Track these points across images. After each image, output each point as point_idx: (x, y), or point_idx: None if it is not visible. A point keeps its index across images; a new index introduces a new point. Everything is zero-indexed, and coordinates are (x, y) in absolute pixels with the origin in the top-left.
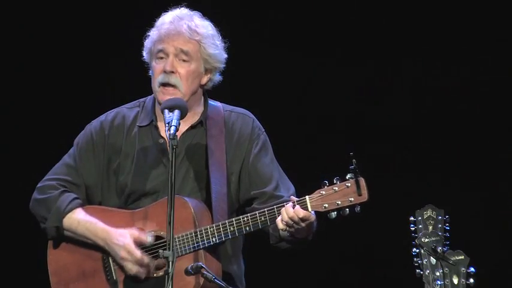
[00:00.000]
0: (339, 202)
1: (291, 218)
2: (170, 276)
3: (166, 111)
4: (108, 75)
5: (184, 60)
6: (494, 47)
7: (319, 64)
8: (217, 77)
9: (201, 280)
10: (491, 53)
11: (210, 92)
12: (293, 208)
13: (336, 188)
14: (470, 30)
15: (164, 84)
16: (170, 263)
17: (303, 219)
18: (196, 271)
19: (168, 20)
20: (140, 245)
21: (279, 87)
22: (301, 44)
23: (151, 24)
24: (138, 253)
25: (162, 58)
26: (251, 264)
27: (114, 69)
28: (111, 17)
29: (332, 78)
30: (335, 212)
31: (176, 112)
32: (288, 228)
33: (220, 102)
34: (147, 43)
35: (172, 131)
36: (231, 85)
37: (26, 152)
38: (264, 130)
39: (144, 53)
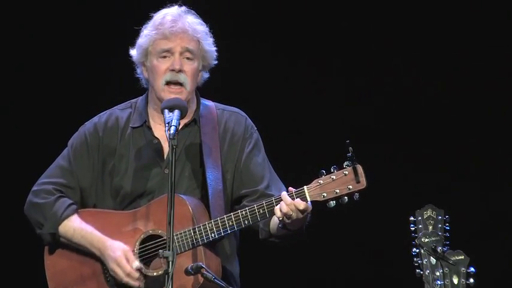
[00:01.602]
0: (338, 190)
1: (288, 206)
2: (170, 276)
3: (166, 111)
4: (102, 76)
5: (188, 58)
6: (494, 48)
7: (318, 61)
8: (206, 75)
9: (201, 279)
10: (491, 54)
11: (201, 91)
12: (291, 199)
13: (334, 177)
14: (468, 32)
15: (171, 83)
16: (170, 263)
17: (302, 211)
18: (197, 271)
19: (170, 18)
20: (127, 261)
21: (271, 85)
22: (293, 42)
23: (143, 24)
24: (128, 268)
25: (165, 57)
26: (245, 265)
27: (108, 70)
28: (104, 18)
29: (331, 76)
30: (334, 201)
31: (176, 112)
32: (285, 218)
33: (212, 101)
34: (143, 43)
35: (172, 131)
36: (223, 84)
37: (23, 153)
38: (256, 128)
39: (136, 53)
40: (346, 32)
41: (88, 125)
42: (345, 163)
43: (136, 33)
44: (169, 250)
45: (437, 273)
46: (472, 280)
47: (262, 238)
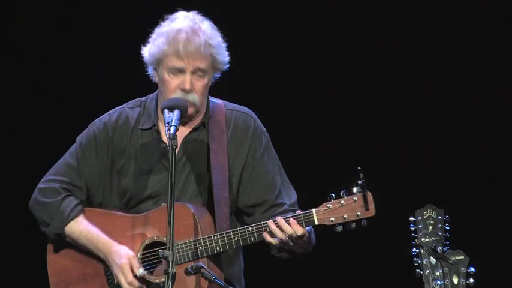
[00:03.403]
0: (346, 216)
1: (289, 236)
2: (170, 276)
3: (166, 111)
4: (108, 73)
5: (199, 76)
6: (495, 49)
7: (319, 63)
8: (217, 75)
9: (205, 284)
10: (492, 55)
11: (212, 90)
12: (290, 225)
13: (343, 202)
14: (470, 32)
15: None
16: (170, 262)
17: (301, 236)
18: (196, 271)
19: (184, 36)
20: (131, 270)
21: (282, 91)
22: (310, 45)
23: (150, 22)
24: (130, 277)
25: (177, 74)
26: (250, 263)
27: (114, 67)
28: (111, 15)
29: (330, 78)
30: (341, 226)
31: (176, 112)
32: (281, 244)
33: (222, 99)
34: (155, 52)
35: (172, 131)
36: (236, 88)
37: (27, 150)
38: (265, 130)
39: (147, 56)
40: (357, 35)
41: (98, 123)
42: (355, 189)
43: (144, 32)
44: (169, 250)
45: (437, 273)
46: (472, 280)
47: (274, 253)
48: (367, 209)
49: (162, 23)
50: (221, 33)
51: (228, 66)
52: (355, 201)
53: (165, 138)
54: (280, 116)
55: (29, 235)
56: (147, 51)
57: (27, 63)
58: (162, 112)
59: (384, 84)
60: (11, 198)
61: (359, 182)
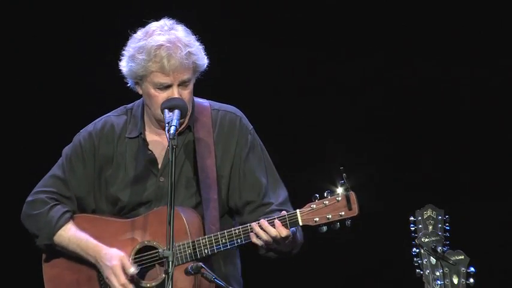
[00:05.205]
0: (330, 216)
1: (273, 238)
2: (170, 276)
3: (166, 111)
4: (97, 81)
5: (185, 85)
6: (495, 48)
7: (312, 62)
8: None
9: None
10: (493, 53)
11: (197, 91)
12: (274, 227)
13: (327, 202)
14: (469, 29)
15: None
16: (170, 262)
17: (285, 238)
18: (197, 271)
19: (165, 53)
20: (123, 271)
21: (271, 91)
22: (299, 45)
23: (134, 31)
24: (123, 278)
25: (163, 88)
26: (249, 263)
27: (102, 76)
28: (97, 23)
29: (327, 75)
30: (325, 226)
31: (176, 112)
32: (266, 245)
33: (208, 99)
34: (136, 69)
35: (172, 131)
36: (224, 88)
37: (21, 157)
38: (251, 128)
39: (129, 72)
40: (346, 31)
41: (83, 134)
42: (338, 189)
43: (126, 38)
44: (169, 250)
45: (437, 273)
46: (472, 280)
47: (262, 253)
48: (350, 208)
49: (134, 36)
50: (196, 34)
51: (207, 65)
52: (338, 201)
53: (151, 146)
54: (271, 116)
55: (25, 240)
56: (126, 66)
57: (17, 70)
58: (162, 112)
59: (384, 82)
60: (8, 202)
61: (341, 182)
